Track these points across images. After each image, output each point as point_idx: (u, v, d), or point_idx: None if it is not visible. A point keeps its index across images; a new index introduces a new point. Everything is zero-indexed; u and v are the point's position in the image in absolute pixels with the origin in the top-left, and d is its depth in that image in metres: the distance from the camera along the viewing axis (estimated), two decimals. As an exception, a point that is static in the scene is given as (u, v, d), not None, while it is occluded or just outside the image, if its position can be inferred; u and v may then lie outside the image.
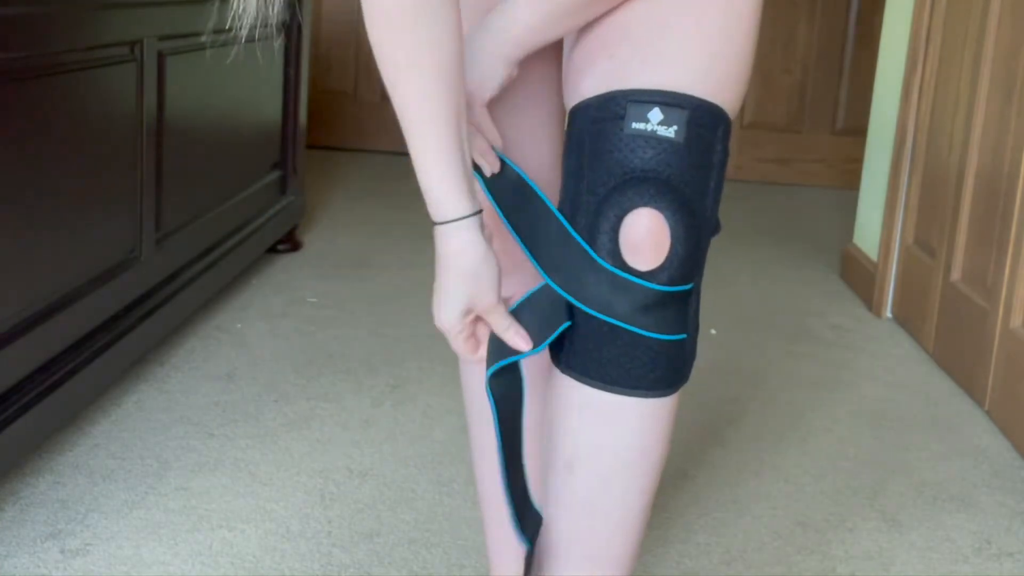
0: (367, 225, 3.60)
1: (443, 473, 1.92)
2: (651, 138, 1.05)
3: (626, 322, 1.07)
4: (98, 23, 1.91)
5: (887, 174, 3.05)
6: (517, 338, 1.10)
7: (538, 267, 1.12)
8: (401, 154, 5.38)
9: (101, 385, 1.99)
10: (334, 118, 4.92)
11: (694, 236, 1.06)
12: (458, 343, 1.11)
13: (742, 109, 4.77)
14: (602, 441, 1.12)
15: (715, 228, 1.12)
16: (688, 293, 1.09)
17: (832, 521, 1.84)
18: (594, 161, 1.07)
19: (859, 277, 3.17)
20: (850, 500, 1.92)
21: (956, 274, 2.57)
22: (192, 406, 2.13)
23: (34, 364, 1.76)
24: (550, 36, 1.13)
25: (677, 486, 1.92)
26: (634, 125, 1.04)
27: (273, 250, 3.17)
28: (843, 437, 2.18)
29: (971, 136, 2.51)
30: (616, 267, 1.07)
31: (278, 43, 2.91)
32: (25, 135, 1.69)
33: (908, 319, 2.85)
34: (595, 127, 1.08)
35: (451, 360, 2.43)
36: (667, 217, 1.05)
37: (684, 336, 1.09)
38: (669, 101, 1.05)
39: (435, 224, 1.07)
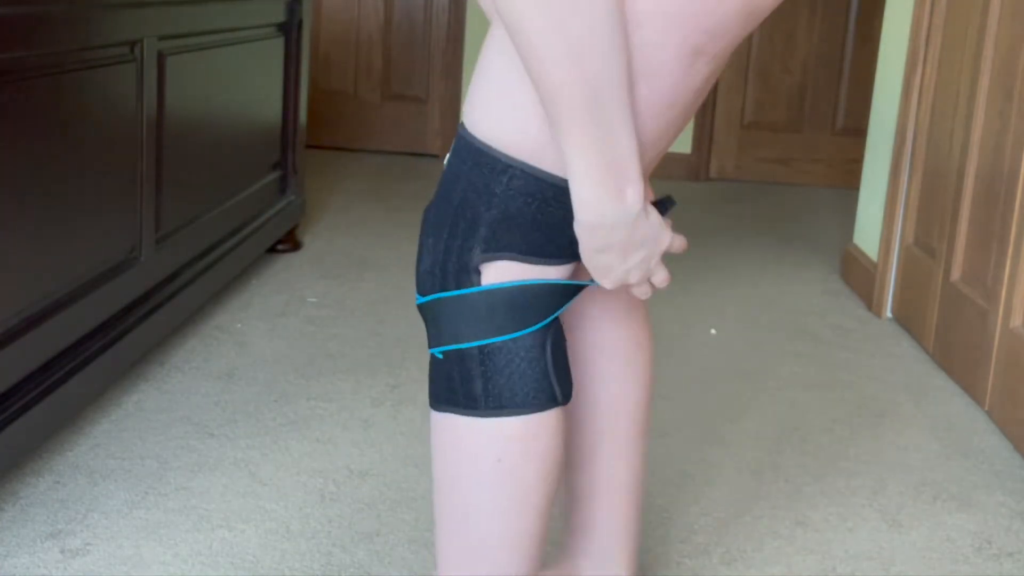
0: (367, 225, 3.60)
1: (443, 473, 1.92)
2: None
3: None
4: (98, 23, 1.91)
5: (887, 174, 3.05)
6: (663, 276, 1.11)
7: None
8: (401, 154, 5.35)
9: (101, 385, 1.99)
10: (334, 118, 4.92)
11: (435, 251, 1.10)
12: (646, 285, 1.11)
13: (742, 109, 4.76)
14: (441, 461, 1.16)
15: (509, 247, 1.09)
16: (436, 309, 1.11)
17: (832, 521, 1.84)
18: None
19: (859, 277, 3.17)
20: (850, 500, 1.92)
21: (956, 274, 2.57)
22: (192, 406, 2.13)
23: (34, 364, 1.76)
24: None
25: (677, 486, 1.92)
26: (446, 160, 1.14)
27: (273, 250, 3.17)
28: (843, 437, 2.18)
29: (971, 136, 2.51)
30: None
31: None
32: (25, 135, 1.69)
33: (908, 319, 2.85)
34: None
35: (451, 360, 2.44)
36: (421, 232, 1.13)
37: (437, 352, 1.12)
38: (459, 136, 1.12)
39: (627, 216, 1.02)
